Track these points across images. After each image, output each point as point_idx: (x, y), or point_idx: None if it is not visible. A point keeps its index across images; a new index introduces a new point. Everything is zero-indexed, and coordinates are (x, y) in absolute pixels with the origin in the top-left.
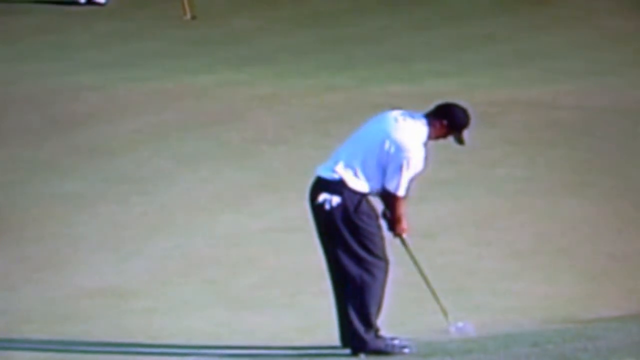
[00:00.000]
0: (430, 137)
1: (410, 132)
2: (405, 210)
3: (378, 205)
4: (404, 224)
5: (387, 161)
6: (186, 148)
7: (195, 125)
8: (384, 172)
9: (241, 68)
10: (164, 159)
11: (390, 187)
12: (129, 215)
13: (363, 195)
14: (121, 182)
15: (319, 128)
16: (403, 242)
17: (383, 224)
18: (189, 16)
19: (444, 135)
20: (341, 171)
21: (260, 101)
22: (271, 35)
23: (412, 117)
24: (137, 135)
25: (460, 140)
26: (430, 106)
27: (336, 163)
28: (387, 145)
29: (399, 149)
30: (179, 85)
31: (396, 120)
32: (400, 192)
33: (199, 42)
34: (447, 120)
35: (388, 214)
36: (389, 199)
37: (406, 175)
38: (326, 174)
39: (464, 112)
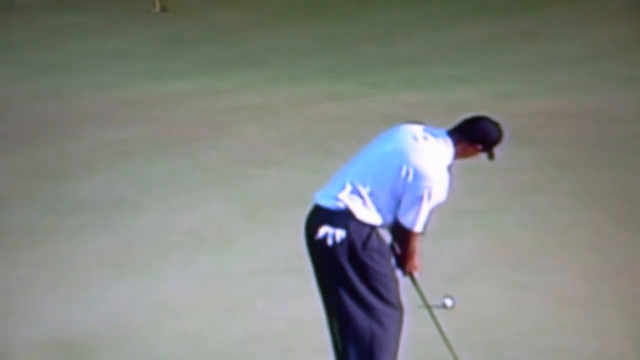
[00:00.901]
0: (455, 157)
1: (433, 156)
2: (419, 247)
3: (386, 236)
4: (416, 260)
5: (404, 190)
6: (156, 171)
7: (167, 142)
8: (398, 202)
9: (223, 73)
10: (129, 184)
11: (406, 221)
12: (86, 253)
13: (372, 228)
14: (77, 212)
15: (318, 146)
16: (413, 281)
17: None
18: (158, 8)
19: (472, 155)
20: (346, 199)
21: (246, 113)
22: (261, 33)
23: (434, 135)
24: (97, 155)
25: (490, 156)
26: (456, 121)
27: (340, 189)
28: (404, 171)
29: (419, 177)
30: (147, 93)
31: (415, 138)
32: (417, 228)
33: (172, 40)
34: (478, 140)
35: (397, 249)
36: (403, 234)
37: (426, 208)
38: (328, 203)
39: (496, 128)
